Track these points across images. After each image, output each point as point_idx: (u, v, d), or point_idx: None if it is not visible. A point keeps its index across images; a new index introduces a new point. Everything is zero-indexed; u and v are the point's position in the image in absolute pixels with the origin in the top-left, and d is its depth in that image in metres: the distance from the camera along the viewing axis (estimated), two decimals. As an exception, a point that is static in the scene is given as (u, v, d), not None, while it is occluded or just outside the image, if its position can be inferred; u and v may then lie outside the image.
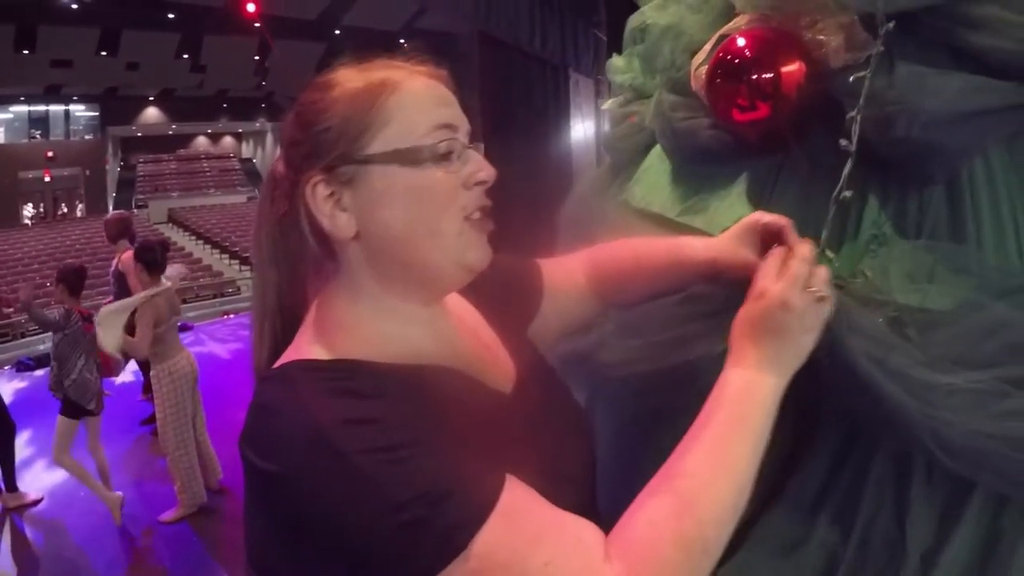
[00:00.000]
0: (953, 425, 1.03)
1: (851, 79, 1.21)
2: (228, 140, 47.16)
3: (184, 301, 18.92)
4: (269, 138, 43.02)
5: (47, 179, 35.94)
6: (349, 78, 0.95)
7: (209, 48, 24.10)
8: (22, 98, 33.68)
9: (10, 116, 34.92)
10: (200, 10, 18.73)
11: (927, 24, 1.29)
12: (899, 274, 1.16)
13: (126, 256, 6.29)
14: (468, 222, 0.91)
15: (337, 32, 20.78)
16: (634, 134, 1.89)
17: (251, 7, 14.51)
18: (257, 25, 16.81)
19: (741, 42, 1.38)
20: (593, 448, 1.12)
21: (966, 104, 1.18)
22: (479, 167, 0.93)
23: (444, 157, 0.90)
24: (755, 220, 1.10)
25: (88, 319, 5.14)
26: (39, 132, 36.19)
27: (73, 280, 5.22)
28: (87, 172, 36.49)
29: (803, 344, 0.95)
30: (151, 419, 6.41)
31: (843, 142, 1.15)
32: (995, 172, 1.23)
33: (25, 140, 35.72)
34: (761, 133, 1.40)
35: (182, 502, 5.14)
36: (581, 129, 11.38)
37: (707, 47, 1.52)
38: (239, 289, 21.75)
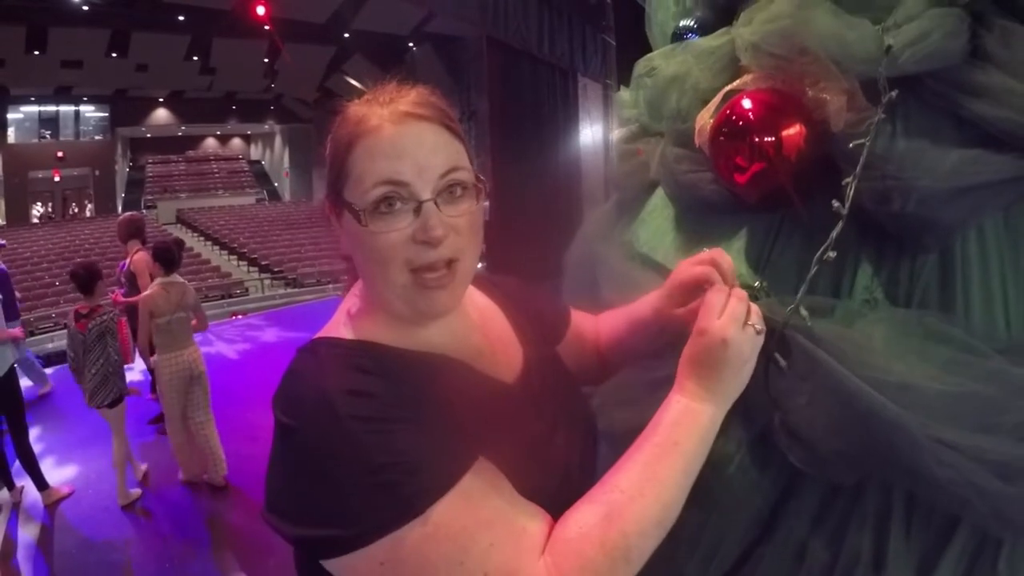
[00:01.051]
0: (949, 442, 1.06)
1: (851, 146, 1.25)
2: (237, 142, 47.33)
3: (192, 302, 18.97)
4: (278, 140, 43.13)
5: (57, 179, 36.13)
6: (346, 118, 1.04)
7: (219, 50, 24.14)
8: (32, 98, 33.71)
9: (20, 116, 34.96)
10: (210, 12, 18.75)
11: (930, 88, 1.31)
12: (886, 341, 1.19)
13: (137, 256, 6.35)
14: (417, 275, 0.99)
15: (346, 35, 20.80)
16: (640, 172, 1.90)
17: (261, 10, 14.52)
18: (267, 28, 16.84)
19: (746, 104, 1.41)
20: (592, 438, 1.21)
21: (963, 180, 1.20)
22: (424, 226, 0.96)
23: (385, 215, 0.97)
24: (681, 278, 1.22)
25: (84, 316, 5.17)
26: (49, 132, 36.24)
27: (81, 278, 5.25)
28: (96, 172, 36.65)
29: (742, 376, 1.06)
30: (159, 418, 6.46)
31: (835, 203, 1.19)
32: (988, 241, 1.25)
33: (35, 140, 35.76)
34: (760, 194, 1.43)
35: (183, 469, 5.71)
36: (589, 133, 11.40)
37: (712, 104, 1.54)
38: (247, 290, 21.81)
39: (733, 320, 1.04)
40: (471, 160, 1.06)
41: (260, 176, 44.85)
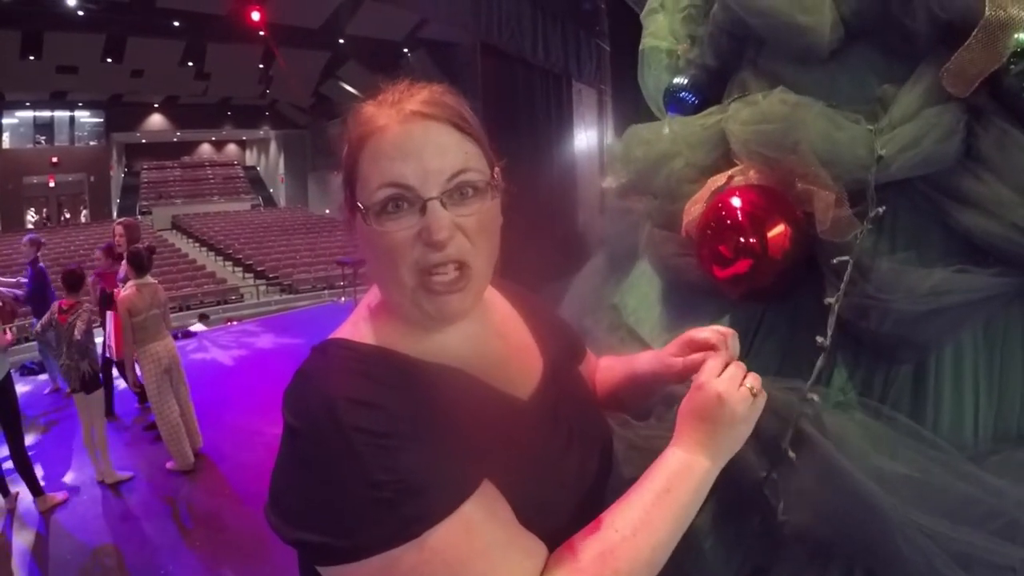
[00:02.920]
0: (919, 527, 1.10)
1: (834, 262, 1.29)
2: (232, 148, 47.27)
3: (187, 308, 19.01)
4: (273, 146, 43.06)
5: (51, 184, 35.92)
6: (356, 118, 1.02)
7: (214, 56, 24.10)
8: (27, 104, 33.61)
9: (15, 121, 34.79)
10: (205, 18, 18.71)
11: (920, 191, 1.32)
12: (862, 433, 1.22)
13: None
14: (426, 277, 0.97)
15: (341, 41, 20.80)
16: (631, 233, 1.91)
17: (256, 15, 14.58)
18: (262, 33, 16.87)
19: (736, 202, 1.42)
20: (608, 453, 1.19)
21: (942, 301, 1.22)
22: (428, 227, 0.94)
23: (392, 215, 0.96)
24: (688, 338, 1.21)
25: (65, 311, 5.74)
26: (44, 138, 36.06)
27: (70, 280, 5.96)
28: (91, 178, 36.51)
29: (735, 433, 1.06)
30: (154, 425, 6.49)
31: (819, 339, 1.23)
32: (964, 353, 1.27)
33: (30, 145, 35.57)
34: (743, 291, 1.45)
35: (174, 458, 6.07)
36: (584, 138, 11.40)
37: (702, 195, 1.55)
38: (242, 296, 21.75)
39: (730, 379, 1.06)
40: (489, 159, 1.05)
41: (255, 182, 44.79)
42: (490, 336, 1.14)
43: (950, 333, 1.27)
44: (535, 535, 0.95)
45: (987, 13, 1.24)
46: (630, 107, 2.26)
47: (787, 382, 1.25)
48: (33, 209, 36.41)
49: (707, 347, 1.16)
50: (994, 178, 1.25)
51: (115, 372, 7.30)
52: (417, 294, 0.98)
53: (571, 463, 1.09)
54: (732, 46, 1.80)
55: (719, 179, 1.54)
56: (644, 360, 1.32)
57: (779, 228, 1.37)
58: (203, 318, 16.21)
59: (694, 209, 1.55)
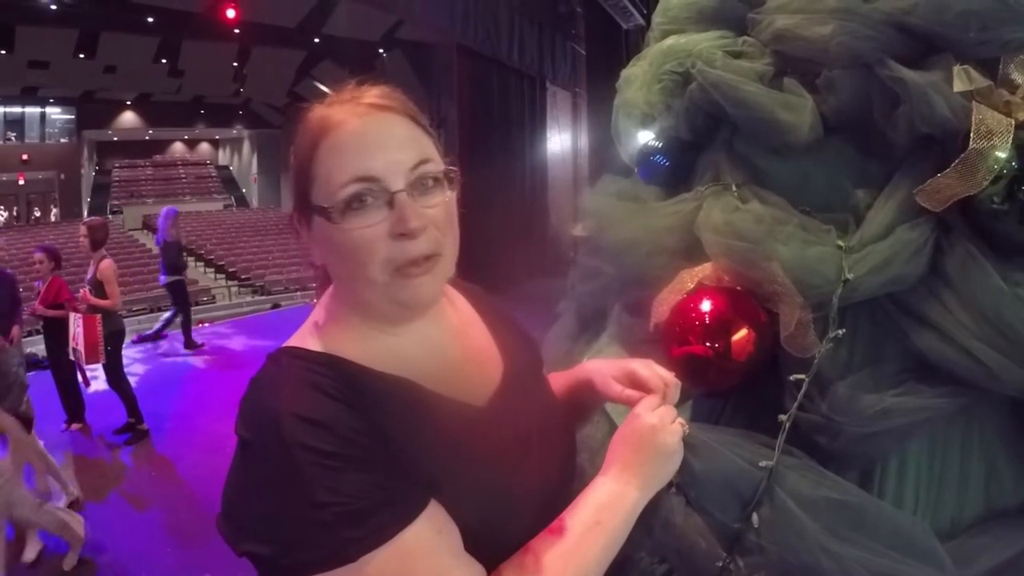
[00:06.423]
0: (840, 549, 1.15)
1: (791, 379, 1.34)
2: (205, 147, 46.85)
3: (158, 310, 18.78)
4: (246, 145, 42.68)
5: (21, 182, 35.45)
6: (308, 122, 1.01)
7: (188, 53, 23.80)
8: (-3, 100, 33.23)
9: (-15, 117, 34.43)
10: (180, 15, 18.47)
11: (883, 307, 1.37)
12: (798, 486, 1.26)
13: (104, 264, 6.27)
14: (397, 272, 0.96)
15: (317, 40, 20.69)
16: (600, 294, 1.94)
17: (231, 13, 14.45)
18: (236, 31, 16.73)
19: (706, 306, 1.47)
20: (570, 465, 1.19)
21: (889, 422, 1.27)
22: (400, 218, 0.94)
23: (358, 211, 0.94)
24: (632, 371, 1.21)
25: None
26: (14, 134, 35.63)
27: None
28: (62, 176, 35.93)
29: (666, 466, 1.11)
30: (125, 428, 6.41)
31: (762, 464, 1.25)
32: (908, 461, 1.32)
33: (0, 142, 35.21)
34: (706, 392, 1.51)
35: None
36: (558, 141, 11.46)
37: (671, 292, 1.58)
38: (214, 298, 21.52)
39: (664, 416, 1.11)
40: (440, 153, 1.04)
41: (228, 182, 44.38)
42: (447, 338, 1.12)
43: (895, 447, 1.32)
44: (491, 543, 0.95)
45: (971, 145, 1.28)
46: (604, 110, 2.27)
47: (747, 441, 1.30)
48: (2, 207, 35.91)
49: (646, 389, 1.17)
50: (954, 300, 1.29)
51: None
52: (389, 286, 0.97)
53: (530, 470, 1.07)
54: (707, 124, 1.81)
55: (689, 280, 1.57)
56: (587, 369, 1.33)
57: (743, 332, 1.42)
58: (276, 307, 16.20)
59: (662, 309, 1.58)
